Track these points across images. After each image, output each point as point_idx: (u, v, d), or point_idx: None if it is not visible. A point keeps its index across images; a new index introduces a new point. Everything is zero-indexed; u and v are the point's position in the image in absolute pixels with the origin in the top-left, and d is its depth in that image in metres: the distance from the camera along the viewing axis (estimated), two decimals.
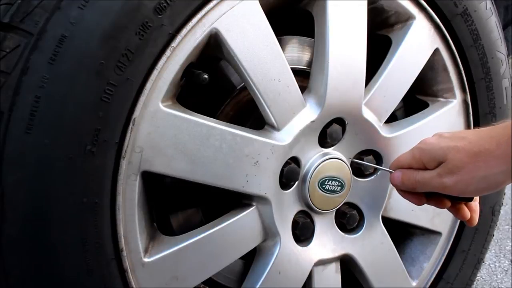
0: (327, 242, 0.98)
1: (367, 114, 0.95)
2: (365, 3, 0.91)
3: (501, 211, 1.26)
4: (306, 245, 0.95)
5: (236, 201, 0.89)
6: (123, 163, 0.74)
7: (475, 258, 1.20)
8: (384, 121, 0.98)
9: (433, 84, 1.08)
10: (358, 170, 0.99)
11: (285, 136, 0.87)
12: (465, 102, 1.09)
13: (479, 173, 0.73)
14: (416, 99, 1.11)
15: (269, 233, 0.90)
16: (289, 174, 0.89)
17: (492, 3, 1.08)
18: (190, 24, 0.75)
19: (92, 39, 0.68)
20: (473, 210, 0.87)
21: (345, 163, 0.94)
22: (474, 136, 0.74)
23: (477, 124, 1.10)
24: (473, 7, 1.03)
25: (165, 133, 0.76)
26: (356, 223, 1.01)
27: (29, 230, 0.69)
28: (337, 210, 0.98)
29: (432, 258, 1.13)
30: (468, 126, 1.10)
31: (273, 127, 0.86)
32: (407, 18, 0.99)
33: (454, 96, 1.08)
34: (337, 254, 0.99)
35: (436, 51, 1.03)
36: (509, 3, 1.40)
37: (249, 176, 0.84)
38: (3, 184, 0.66)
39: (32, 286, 0.71)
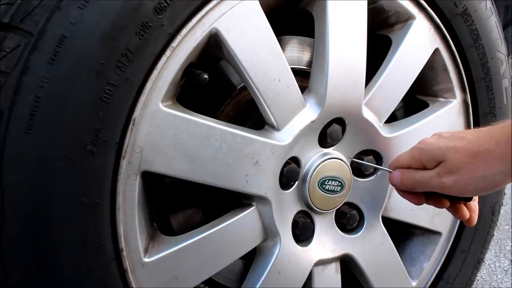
0: (327, 242, 0.98)
1: (367, 114, 0.95)
2: (365, 3, 0.91)
3: (501, 211, 1.26)
4: (306, 245, 0.95)
5: (236, 201, 0.89)
6: (123, 163, 0.74)
7: (475, 258, 1.20)
8: (384, 121, 0.98)
9: (433, 84, 1.08)
10: (358, 170, 0.99)
11: (285, 136, 0.87)
12: (465, 102, 1.09)
13: (478, 173, 0.73)
14: (416, 99, 1.11)
15: (269, 233, 0.90)
16: (289, 174, 0.89)
17: (492, 3, 1.08)
18: (190, 24, 0.75)
19: (92, 39, 0.68)
20: (472, 210, 0.87)
21: (345, 163, 0.94)
22: (473, 136, 0.75)
23: (477, 124, 1.10)
24: (473, 7, 1.03)
25: (165, 133, 0.76)
26: (356, 223, 1.01)
27: (29, 230, 0.69)
28: (337, 210, 0.98)
29: (432, 258, 1.13)
30: (468, 126, 1.10)
31: (273, 127, 0.86)
32: (407, 18, 0.99)
33: (454, 96, 1.08)
34: (337, 254, 0.99)
35: (436, 51, 1.03)
36: (509, 3, 1.40)
37: (249, 176, 0.84)
38: (3, 184, 0.66)
39: (32, 286, 0.71)
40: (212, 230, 0.84)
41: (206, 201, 0.96)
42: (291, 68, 0.86)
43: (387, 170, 0.89)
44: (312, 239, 0.96)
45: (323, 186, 0.92)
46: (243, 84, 0.90)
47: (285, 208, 0.91)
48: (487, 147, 0.72)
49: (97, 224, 0.73)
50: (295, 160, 0.90)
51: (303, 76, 0.93)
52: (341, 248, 0.99)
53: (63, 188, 0.69)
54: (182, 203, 0.96)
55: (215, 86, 0.92)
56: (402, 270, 1.08)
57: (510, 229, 2.16)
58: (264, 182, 0.86)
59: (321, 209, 0.94)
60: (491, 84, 1.10)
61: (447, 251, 1.15)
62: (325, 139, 0.92)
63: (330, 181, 0.92)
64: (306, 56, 0.97)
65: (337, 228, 0.99)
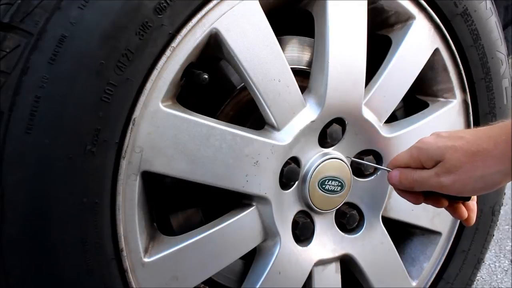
0: (327, 242, 0.98)
1: (367, 114, 0.95)
2: (365, 3, 0.91)
3: (501, 211, 1.26)
4: (306, 245, 0.95)
5: (236, 201, 0.89)
6: (123, 163, 0.74)
7: (475, 258, 1.20)
8: (384, 121, 0.98)
9: (433, 84, 1.08)
10: (358, 170, 0.99)
11: (285, 136, 0.87)
12: (465, 102, 1.09)
13: (476, 173, 0.73)
14: (416, 99, 1.11)
15: (269, 233, 0.90)
16: (289, 174, 0.89)
17: (492, 3, 1.08)
18: (190, 24, 0.75)
19: (92, 39, 0.68)
20: (471, 209, 0.87)
21: (345, 163, 0.94)
22: (471, 136, 0.75)
23: (477, 124, 1.10)
24: (473, 7, 1.03)
25: (165, 133, 0.76)
26: (356, 223, 1.01)
27: (29, 230, 0.69)
28: (337, 210, 0.98)
29: (432, 258, 1.13)
30: (468, 126, 1.10)
31: (273, 127, 0.86)
32: (407, 18, 0.99)
33: (454, 96, 1.08)
34: (337, 254, 0.99)
35: (436, 51, 1.03)
36: (509, 3, 1.40)
37: (249, 176, 0.84)
38: (3, 184, 0.66)
39: (32, 286, 0.71)
40: (212, 230, 0.84)
41: (206, 201, 0.96)
42: (291, 68, 0.86)
43: (386, 170, 0.89)
44: (312, 239, 0.96)
45: (323, 186, 0.92)
46: (243, 84, 0.90)
47: (285, 208, 0.91)
48: (485, 146, 0.72)
49: (97, 224, 0.73)
50: (295, 160, 0.90)
51: (303, 76, 0.93)
52: (341, 248, 0.99)
53: (63, 188, 0.69)
54: (182, 203, 0.96)
55: (215, 86, 0.92)
56: (402, 270, 1.08)
57: (510, 229, 2.16)
58: (264, 182, 0.86)
59: (321, 209, 0.94)
60: (491, 84, 1.10)
61: (447, 251, 1.15)
62: (325, 139, 0.92)
63: (330, 181, 0.92)
64: (306, 56, 0.97)
65: (337, 228, 0.99)
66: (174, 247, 0.81)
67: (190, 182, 0.80)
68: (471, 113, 1.09)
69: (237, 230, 0.87)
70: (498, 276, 1.79)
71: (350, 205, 1.01)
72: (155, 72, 0.74)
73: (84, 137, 0.69)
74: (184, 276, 0.82)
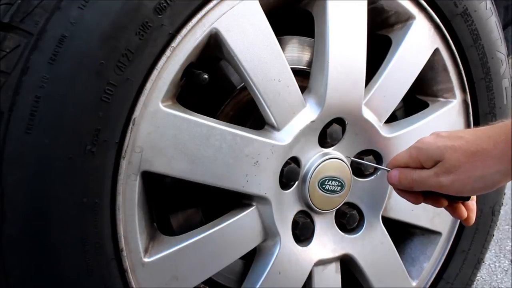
0: (327, 242, 0.98)
1: (367, 114, 0.95)
2: (365, 3, 0.91)
3: (501, 211, 1.26)
4: (306, 245, 0.95)
5: (236, 201, 0.89)
6: (123, 163, 0.74)
7: (475, 258, 1.20)
8: (384, 121, 0.98)
9: (433, 84, 1.08)
10: (358, 170, 0.99)
11: (285, 136, 0.87)
12: (465, 102, 1.09)
13: (476, 173, 0.73)
14: (416, 99, 1.11)
15: (269, 233, 0.90)
16: (289, 174, 0.89)
17: (492, 3, 1.08)
18: (190, 24, 0.75)
19: (92, 39, 0.68)
20: (470, 209, 0.87)
21: (345, 163, 0.94)
22: (471, 136, 0.75)
23: (477, 124, 1.10)
24: (473, 7, 1.03)
25: (165, 133, 0.76)
26: (356, 223, 1.01)
27: (29, 230, 0.69)
28: (337, 210, 0.98)
29: (432, 258, 1.13)
30: (468, 126, 1.10)
31: (273, 127, 0.86)
32: (407, 18, 0.99)
33: (454, 96, 1.08)
34: (337, 254, 0.99)
35: (436, 51, 1.03)
36: (509, 3, 1.40)
37: (249, 176, 0.84)
38: (3, 184, 0.66)
39: (32, 286, 0.71)
40: (212, 230, 0.84)
41: (206, 201, 0.96)
42: (291, 68, 0.86)
43: (386, 169, 0.89)
44: (312, 239, 0.96)
45: (323, 186, 0.92)
46: (243, 84, 0.90)
47: (285, 208, 0.91)
48: (485, 146, 0.72)
49: (97, 224, 0.73)
50: (295, 160, 0.90)
51: (303, 76, 0.93)
52: (341, 248, 0.99)
53: (63, 188, 0.69)
54: (182, 203, 0.96)
55: (215, 86, 0.92)
56: (402, 270, 1.08)
57: (510, 229, 2.16)
58: (264, 182, 0.86)
59: (321, 209, 0.94)
60: (491, 84, 1.10)
61: (447, 251, 1.15)
62: (325, 139, 0.92)
63: (330, 181, 0.92)
64: (306, 56, 0.97)
65: (337, 228, 0.99)
66: (174, 247, 0.81)
67: (190, 182, 0.80)
68: (471, 113, 1.09)
69: (237, 230, 0.87)
70: (498, 276, 1.79)
71: (350, 205, 1.01)
72: (155, 72, 0.74)
73: (84, 137, 0.69)
74: (184, 276, 0.82)
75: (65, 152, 0.68)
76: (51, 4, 0.66)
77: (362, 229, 1.01)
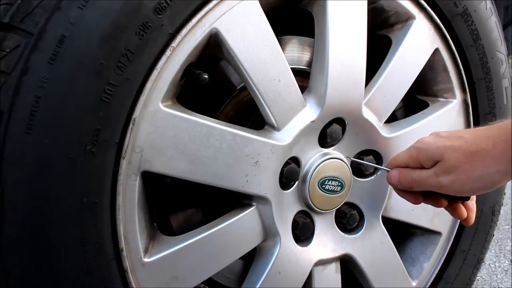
0: (327, 242, 0.98)
1: (367, 114, 0.95)
2: (365, 3, 0.91)
3: (501, 211, 1.26)
4: (306, 245, 0.95)
5: (236, 201, 0.89)
6: (123, 163, 0.74)
7: (475, 258, 1.20)
8: (384, 121, 0.98)
9: (433, 84, 1.08)
10: (358, 170, 0.99)
11: (285, 136, 0.87)
12: (465, 102, 1.09)
13: (475, 173, 0.73)
14: (416, 99, 1.11)
15: (269, 233, 0.90)
16: (289, 174, 0.89)
17: (492, 3, 1.08)
18: (190, 24, 0.75)
19: (92, 39, 0.68)
20: (470, 209, 0.87)
21: (345, 163, 0.94)
22: (470, 136, 0.75)
23: (477, 124, 1.10)
24: (473, 7, 1.03)
25: (165, 133, 0.76)
26: (356, 223, 1.01)
27: (29, 230, 0.69)
28: (337, 210, 0.98)
29: (432, 258, 1.13)
30: (468, 126, 1.10)
31: (273, 127, 0.86)
32: (407, 18, 0.99)
33: (454, 96, 1.08)
34: (337, 254, 0.99)
35: (436, 51, 1.03)
36: (509, 3, 1.40)
37: (249, 176, 0.84)
38: (3, 184, 0.66)
39: (32, 286, 0.71)
40: (212, 230, 0.84)
41: (206, 201, 0.96)
42: (291, 68, 0.86)
43: (386, 169, 0.89)
44: (312, 239, 0.96)
45: (323, 186, 0.92)
46: (243, 84, 0.90)
47: (285, 208, 0.91)
48: (484, 146, 0.72)
49: (97, 224, 0.73)
50: (295, 160, 0.90)
51: (303, 76, 0.93)
52: (341, 248, 0.99)
53: (63, 188, 0.69)
54: (182, 203, 0.96)
55: (215, 86, 0.92)
56: (402, 270, 1.08)
57: (510, 229, 2.16)
58: (264, 182, 0.86)
59: (321, 209, 0.94)
60: (491, 84, 1.10)
61: (447, 251, 1.15)
62: (325, 139, 0.92)
63: (330, 181, 0.92)
64: (306, 56, 0.97)
65: (337, 228, 0.99)
66: (174, 247, 0.81)
67: (190, 182, 0.80)
68: (471, 113, 1.09)
69: (237, 230, 0.87)
70: (498, 276, 1.79)
71: (350, 205, 1.01)
72: (155, 72, 0.74)
73: (84, 137, 0.69)
74: (184, 276, 0.82)
75: (65, 152, 0.68)
76: (51, 4, 0.66)
77: (362, 229, 1.01)
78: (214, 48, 0.81)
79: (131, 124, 0.73)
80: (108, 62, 0.69)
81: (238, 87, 0.92)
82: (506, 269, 1.83)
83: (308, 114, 0.88)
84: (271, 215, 0.88)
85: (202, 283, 0.90)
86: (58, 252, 0.71)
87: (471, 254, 1.18)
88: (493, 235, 1.23)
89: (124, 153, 0.73)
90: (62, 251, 0.71)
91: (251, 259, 0.94)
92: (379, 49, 1.00)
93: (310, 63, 0.95)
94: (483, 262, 1.23)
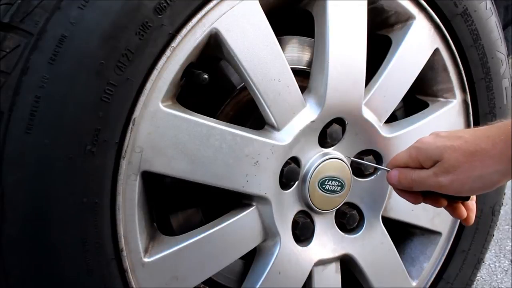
0: (327, 242, 0.98)
1: (367, 114, 0.95)
2: (365, 3, 0.91)
3: (501, 211, 1.26)
4: (306, 245, 0.95)
5: (236, 201, 0.89)
6: (123, 163, 0.74)
7: (475, 258, 1.20)
8: (384, 121, 0.98)
9: (433, 84, 1.08)
10: (358, 170, 0.99)
11: (285, 136, 0.87)
12: (465, 102, 1.09)
13: (474, 173, 0.73)
14: (416, 99, 1.11)
15: (269, 233, 0.90)
16: (289, 174, 0.89)
17: (492, 3, 1.08)
18: (190, 24, 0.75)
19: (92, 39, 0.68)
20: (470, 209, 0.87)
21: (345, 163, 0.94)
22: (470, 136, 0.75)
23: (477, 124, 1.10)
24: (473, 7, 1.03)
25: (165, 133, 0.76)
26: (356, 223, 1.01)
27: (29, 230, 0.69)
28: (337, 210, 0.98)
29: (432, 258, 1.13)
30: (468, 126, 1.10)
31: (273, 127, 0.86)
32: (407, 18, 0.99)
33: (454, 96, 1.08)
34: (337, 254, 0.99)
35: (436, 51, 1.03)
36: (509, 3, 1.40)
37: (249, 176, 0.84)
38: (3, 184, 0.66)
39: (32, 286, 0.71)
40: (212, 230, 0.84)
41: (206, 201, 0.96)
42: (291, 68, 0.86)
43: (385, 169, 0.89)
44: (312, 239, 0.96)
45: (323, 186, 0.92)
46: (243, 84, 0.90)
47: (285, 208, 0.91)
48: (484, 146, 0.72)
49: (97, 224, 0.73)
50: (295, 160, 0.90)
51: (303, 76, 0.93)
52: (341, 248, 0.99)
53: (63, 188, 0.69)
54: (182, 203, 0.96)
55: (215, 86, 0.92)
56: (402, 270, 1.08)
57: (510, 229, 2.16)
58: (264, 182, 0.86)
59: (321, 209, 0.94)
60: (491, 84, 1.10)
61: (447, 251, 1.15)
62: (325, 139, 0.92)
63: (330, 181, 0.92)
64: (306, 56, 0.97)
65: (337, 228, 0.99)
66: (174, 247, 0.81)
67: (190, 182, 0.80)
68: (471, 113, 1.09)
69: (237, 230, 0.87)
70: (498, 276, 1.79)
71: (350, 205, 1.01)
72: (155, 72, 0.74)
73: (84, 137, 0.69)
74: (184, 276, 0.82)
75: (65, 152, 0.68)
76: (51, 4, 0.66)
77: (362, 229, 1.01)
78: (214, 48, 0.81)
79: (131, 124, 0.73)
80: (108, 62, 0.69)
81: (238, 87, 0.92)
82: (506, 269, 1.83)
83: (308, 114, 0.88)
84: (271, 215, 0.88)
85: (202, 283, 0.90)
86: (58, 252, 0.71)
87: (471, 254, 1.18)
88: (493, 235, 1.23)
89: (124, 153, 0.73)
90: (62, 251, 0.71)
91: (251, 259, 0.94)
92: (379, 49, 1.00)
93: (310, 63, 0.95)
94: (483, 262, 1.23)
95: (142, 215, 0.80)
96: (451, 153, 0.75)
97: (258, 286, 0.89)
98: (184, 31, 0.75)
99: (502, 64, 1.11)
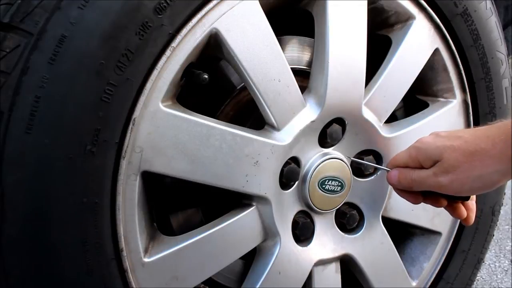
0: (327, 242, 0.98)
1: (367, 114, 0.95)
2: (365, 3, 0.91)
3: (501, 211, 1.26)
4: (306, 245, 0.95)
5: (236, 201, 0.89)
6: (123, 163, 0.74)
7: (475, 258, 1.20)
8: (384, 121, 0.98)
9: (433, 84, 1.08)
10: (358, 170, 0.99)
11: (285, 136, 0.87)
12: (465, 102, 1.09)
13: (474, 173, 0.73)
14: (416, 99, 1.11)
15: (269, 233, 0.90)
16: (289, 174, 0.89)
17: (492, 3, 1.08)
18: (190, 24, 0.75)
19: (92, 39, 0.68)
20: (470, 209, 0.87)
21: (345, 163, 0.94)
22: (470, 136, 0.75)
23: (477, 124, 1.10)
24: (473, 7, 1.03)
25: (165, 133, 0.76)
26: (356, 223, 1.01)
27: (29, 230, 0.69)
28: (337, 210, 0.98)
29: (432, 258, 1.13)
30: (468, 126, 1.10)
31: (273, 127, 0.86)
32: (407, 18, 0.99)
33: (454, 96, 1.08)
34: (337, 254, 0.99)
35: (436, 51, 1.03)
36: (509, 3, 1.40)
37: (249, 176, 0.84)
38: (3, 184, 0.66)
39: (32, 286, 0.71)
40: (212, 230, 0.84)
41: (206, 201, 0.96)
42: (291, 68, 0.86)
43: (385, 169, 0.89)
44: (312, 239, 0.96)
45: (323, 186, 0.92)
46: (243, 84, 0.90)
47: (285, 208, 0.91)
48: (483, 146, 0.72)
49: (97, 224, 0.73)
50: (295, 160, 0.90)
51: (303, 76, 0.93)
52: (341, 248, 0.99)
53: (63, 188, 0.69)
54: (182, 203, 0.96)
55: (215, 86, 0.92)
56: (402, 270, 1.08)
57: (510, 229, 2.16)
58: (264, 182, 0.86)
59: (321, 209, 0.94)
60: (491, 84, 1.10)
61: (447, 251, 1.15)
62: (325, 139, 0.92)
63: (330, 181, 0.92)
64: (306, 56, 0.97)
65: (337, 228, 0.99)
66: (174, 247, 0.81)
67: (190, 182, 0.80)
68: (471, 113, 1.10)
69: (237, 230, 0.87)
70: (498, 276, 1.79)
71: (350, 205, 1.01)
72: (155, 72, 0.74)
73: (84, 137, 0.69)
74: (184, 276, 0.82)
75: (65, 152, 0.68)
76: (51, 4, 0.66)
77: (362, 229, 1.01)
78: (214, 48, 0.81)
79: (131, 124, 0.73)
80: (108, 62, 0.69)
81: (238, 87, 0.92)
82: (506, 269, 1.83)
83: (308, 114, 0.88)
84: (271, 215, 0.88)
85: (202, 283, 0.90)
86: (58, 252, 0.71)
87: (471, 254, 1.18)
88: (493, 235, 1.23)
89: (124, 153, 0.73)
90: (62, 251, 0.71)
91: (251, 259, 0.94)
92: (379, 49, 1.00)
93: (310, 63, 0.95)
94: (483, 262, 1.23)
95: (142, 215, 0.80)
96: (450, 153, 0.75)
97: (258, 286, 0.89)
98: (184, 31, 0.75)
99: (502, 64, 1.11)
